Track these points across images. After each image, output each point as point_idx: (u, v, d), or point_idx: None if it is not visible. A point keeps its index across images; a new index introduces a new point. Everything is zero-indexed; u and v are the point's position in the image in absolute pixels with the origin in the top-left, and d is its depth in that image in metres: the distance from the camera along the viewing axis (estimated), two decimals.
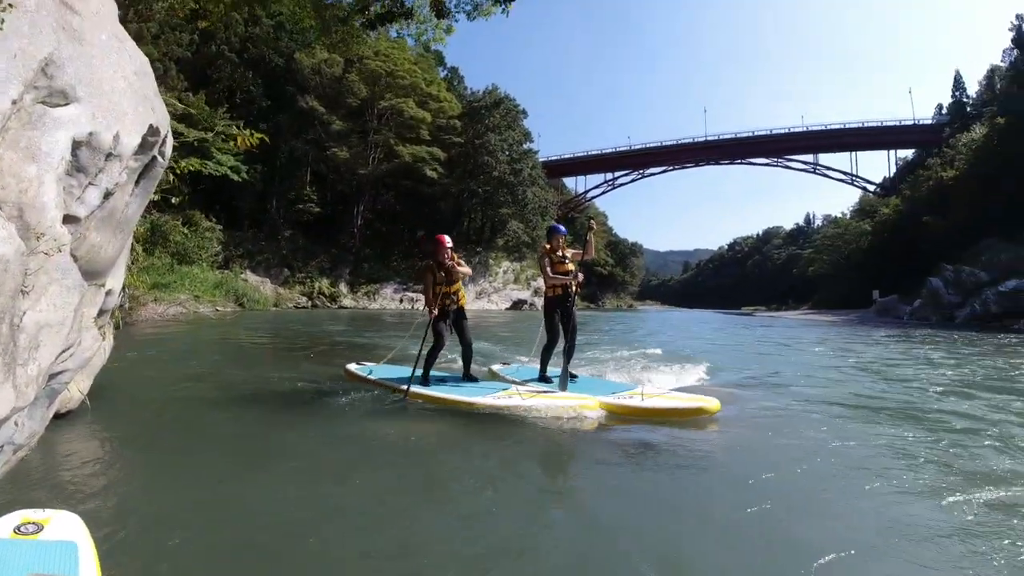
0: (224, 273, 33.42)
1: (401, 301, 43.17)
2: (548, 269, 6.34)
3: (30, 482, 3.22)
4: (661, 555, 2.56)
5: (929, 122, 65.16)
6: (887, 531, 2.78)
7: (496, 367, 7.40)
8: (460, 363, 6.77)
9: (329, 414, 5.38)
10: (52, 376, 3.31)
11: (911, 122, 67.38)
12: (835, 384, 7.73)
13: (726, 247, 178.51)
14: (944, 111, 63.31)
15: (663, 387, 6.42)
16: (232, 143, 30.30)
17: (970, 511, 3.00)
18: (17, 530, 2.02)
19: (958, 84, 61.32)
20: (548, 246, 6.50)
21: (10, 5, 2.65)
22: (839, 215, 79.70)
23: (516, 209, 54.74)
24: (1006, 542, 2.63)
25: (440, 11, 10.41)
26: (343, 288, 43.41)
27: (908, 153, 68.51)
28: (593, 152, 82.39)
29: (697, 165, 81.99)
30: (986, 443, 4.37)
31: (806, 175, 74.71)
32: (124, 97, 3.36)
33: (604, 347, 12.16)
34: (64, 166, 2.87)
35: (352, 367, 7.08)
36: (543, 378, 6.44)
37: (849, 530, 2.81)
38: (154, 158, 3.79)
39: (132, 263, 14.44)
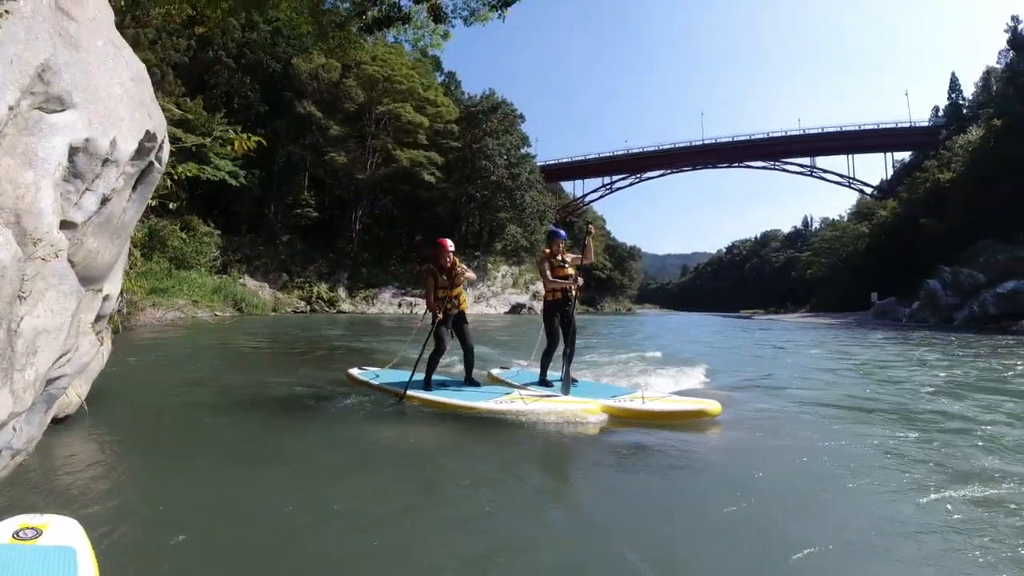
0: (222, 278, 33.43)
1: (400, 306, 43.21)
2: (548, 273, 6.35)
3: (28, 487, 3.22)
4: (657, 556, 2.56)
5: (925, 124, 65.41)
6: (880, 530, 2.82)
7: (495, 371, 7.40)
8: (459, 367, 6.77)
9: (328, 418, 5.39)
10: (50, 381, 3.31)
11: (907, 124, 67.69)
12: (831, 386, 7.76)
13: (724, 250, 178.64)
14: (940, 113, 63.51)
15: (662, 391, 6.43)
16: (230, 147, 30.37)
17: (959, 509, 3.04)
18: (16, 535, 2.02)
19: (954, 86, 61.50)
20: (548, 250, 6.50)
21: (6, 11, 2.66)
22: (836, 218, 79.76)
23: (514, 213, 54.86)
24: (987, 539, 2.68)
25: (437, 16, 10.45)
26: (341, 293, 43.42)
27: (905, 155, 68.76)
28: (591, 156, 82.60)
29: (694, 169, 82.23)
30: (976, 443, 4.42)
31: (803, 178, 74.96)
32: (121, 103, 3.36)
33: (603, 351, 12.16)
34: (61, 172, 2.88)
35: (354, 371, 7.08)
36: (543, 382, 6.44)
37: (844, 530, 2.84)
38: (151, 163, 3.79)
39: (130, 268, 14.43)
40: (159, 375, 8.15)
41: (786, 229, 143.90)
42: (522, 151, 58.87)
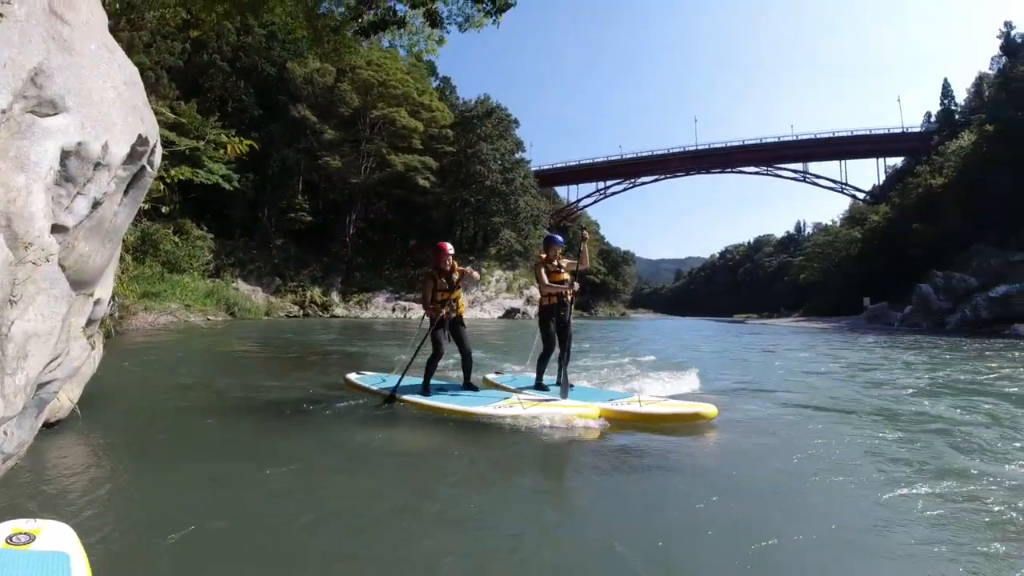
0: (215, 282, 33.27)
1: (394, 310, 43.08)
2: (544, 278, 6.36)
3: (20, 492, 3.20)
4: (653, 555, 2.59)
5: (918, 130, 65.79)
6: (860, 526, 2.96)
7: (491, 376, 7.40)
8: (451, 372, 6.74)
9: (323, 421, 5.38)
10: (41, 386, 3.29)
11: (900, 130, 67.99)
12: (819, 389, 7.90)
13: (718, 255, 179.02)
14: (933, 119, 63.94)
15: (657, 395, 6.48)
16: (223, 151, 30.30)
17: (934, 505, 3.18)
18: (9, 540, 2.01)
19: (946, 92, 61.98)
20: (544, 255, 6.54)
21: (0, 15, 2.66)
22: (829, 223, 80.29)
23: (508, 218, 54.86)
24: (958, 531, 2.84)
25: (434, 21, 10.49)
26: (335, 297, 43.28)
27: (897, 161, 69.12)
28: (585, 161, 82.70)
29: (688, 174, 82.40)
30: (952, 442, 4.60)
31: (796, 183, 75.22)
32: (113, 107, 3.36)
33: (597, 356, 12.17)
34: (53, 176, 2.87)
35: (353, 376, 7.05)
36: (539, 386, 6.45)
37: (829, 527, 2.93)
38: (143, 168, 3.79)
39: (122, 272, 14.38)
40: (151, 379, 8.10)
41: (779, 234, 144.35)
42: (516, 156, 58.88)
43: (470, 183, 51.53)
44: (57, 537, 2.08)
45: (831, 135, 71.64)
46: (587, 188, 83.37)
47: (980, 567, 2.47)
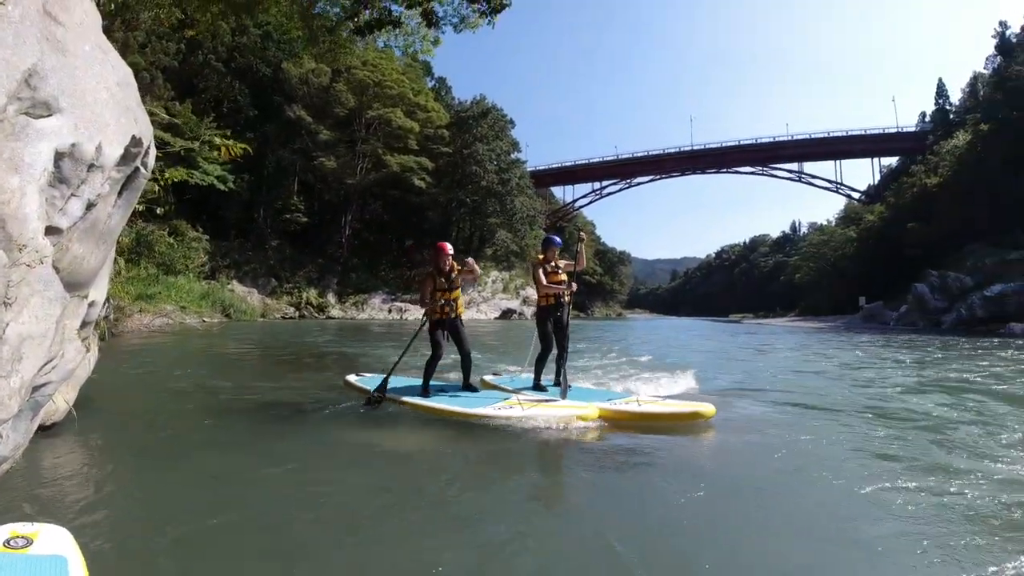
0: (211, 284, 33.20)
1: (390, 311, 43.04)
2: (543, 279, 6.37)
3: (16, 495, 3.19)
4: (649, 554, 2.60)
5: (913, 130, 65.97)
6: (855, 522, 2.99)
7: (488, 377, 7.39)
8: (447, 372, 6.72)
9: (321, 423, 5.38)
10: (35, 388, 3.28)
11: (895, 130, 68.18)
12: (813, 387, 7.99)
13: (713, 255, 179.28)
14: (927, 119, 64.13)
15: (654, 395, 6.50)
16: (217, 153, 30.27)
17: (929, 500, 3.26)
18: (7, 544, 2.00)
19: (941, 92, 62.15)
20: (542, 256, 6.56)
21: None
22: (824, 223, 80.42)
23: (504, 219, 54.90)
24: (949, 526, 2.89)
25: (430, 21, 10.49)
26: (331, 298, 43.21)
27: (892, 161, 69.36)
28: (580, 162, 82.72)
29: (683, 174, 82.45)
30: (937, 439, 4.73)
31: (792, 183, 75.32)
32: (107, 108, 3.35)
33: (594, 356, 12.19)
34: (46, 177, 2.86)
35: (352, 378, 7.04)
36: (537, 387, 6.45)
37: (827, 523, 2.99)
38: (137, 169, 3.77)
39: (116, 275, 14.33)
40: (147, 381, 8.09)
41: (775, 234, 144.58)
42: (512, 156, 58.91)
43: (466, 183, 51.52)
44: (54, 540, 2.07)
45: (826, 135, 71.78)
46: (583, 188, 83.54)
47: (961, 557, 2.53)
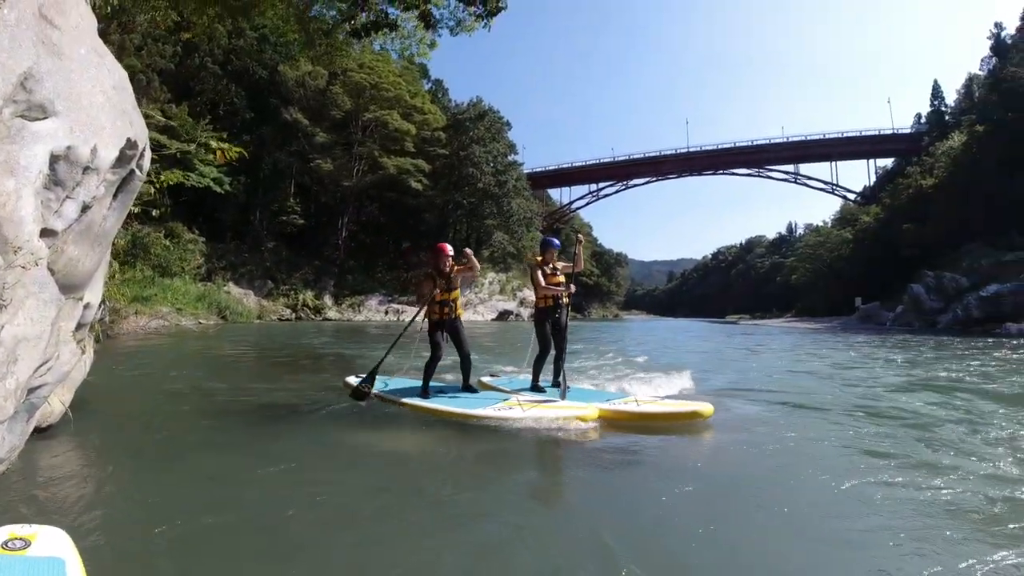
0: (207, 286, 33.18)
1: (387, 313, 43.02)
2: (542, 280, 6.40)
3: (12, 496, 3.19)
4: (646, 553, 2.62)
5: (908, 131, 66.21)
6: (840, 518, 3.07)
7: (486, 378, 7.40)
8: (444, 373, 6.71)
9: (317, 423, 5.39)
10: (31, 390, 3.28)
11: (890, 131, 68.39)
12: (807, 387, 8.06)
13: (710, 256, 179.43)
14: (923, 120, 64.37)
15: (651, 395, 6.54)
16: (213, 156, 30.24)
17: (913, 495, 3.38)
18: (4, 545, 2.00)
19: (936, 93, 62.42)
20: (540, 258, 6.59)
21: None
22: (820, 224, 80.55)
23: (501, 220, 54.86)
24: (932, 520, 2.98)
25: (428, 23, 10.51)
26: (327, 300, 43.18)
27: (888, 162, 69.53)
28: (577, 164, 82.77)
29: (680, 176, 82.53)
30: (927, 436, 4.85)
31: (787, 184, 75.45)
32: (102, 111, 3.36)
33: (590, 357, 12.21)
34: (42, 180, 2.87)
35: (351, 379, 7.03)
36: (535, 388, 6.47)
37: (818, 520, 3.03)
38: (132, 171, 3.78)
39: (111, 277, 14.30)
40: (143, 383, 8.08)
41: (771, 235, 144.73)
42: (509, 158, 58.91)
43: (463, 185, 51.49)
44: (52, 542, 2.07)
45: (822, 136, 71.96)
46: (579, 190, 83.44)
47: (943, 551, 2.59)
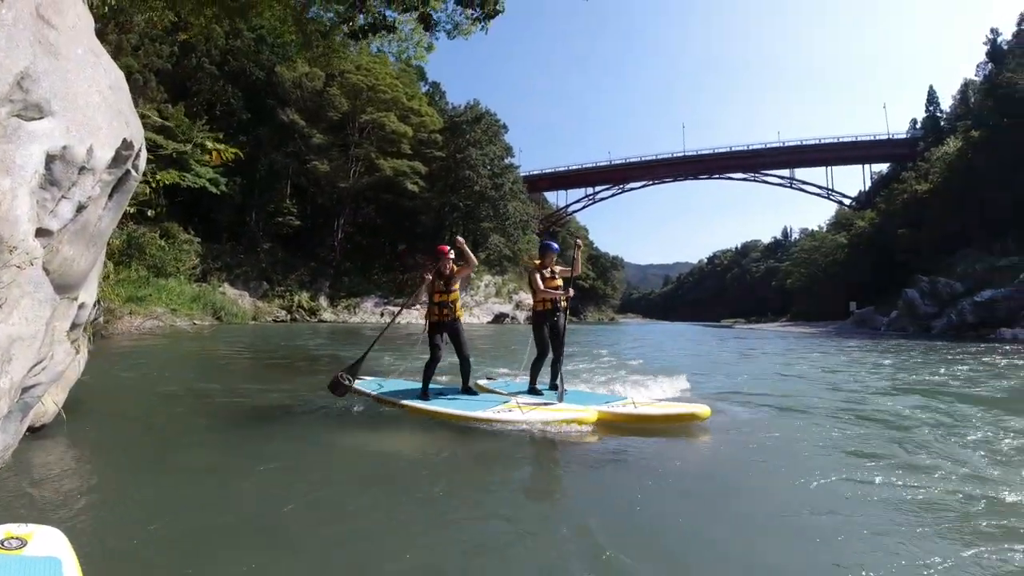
0: (202, 286, 33.09)
1: (382, 315, 42.91)
2: (540, 284, 6.42)
3: (6, 495, 3.19)
4: (643, 552, 2.64)
5: (903, 136, 66.47)
6: (826, 515, 3.15)
7: (483, 381, 7.40)
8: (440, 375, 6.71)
9: (313, 424, 5.39)
10: (25, 389, 3.28)
11: (886, 137, 68.67)
12: (798, 391, 8.08)
13: (706, 260, 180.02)
14: (918, 126, 64.62)
15: (647, 398, 6.57)
16: (209, 156, 30.21)
17: (896, 494, 3.45)
18: (1, 544, 2.00)
19: (932, 99, 62.68)
20: (539, 262, 6.62)
21: None
22: (816, 228, 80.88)
23: (497, 223, 54.89)
24: (915, 517, 3.08)
25: (427, 25, 10.53)
26: (323, 302, 43.12)
27: (883, 167, 69.78)
28: (574, 167, 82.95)
29: (676, 180, 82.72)
30: (911, 438, 4.95)
31: (783, 189, 75.65)
32: (98, 111, 3.36)
33: (585, 360, 12.21)
34: (38, 179, 2.87)
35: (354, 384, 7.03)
36: (532, 390, 6.48)
37: (809, 517, 3.04)
38: (128, 172, 3.79)
39: (105, 277, 14.26)
40: (137, 383, 8.05)
41: (766, 239, 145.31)
42: (505, 161, 58.99)
43: (459, 188, 51.50)
44: (49, 542, 2.07)
45: (818, 141, 72.22)
46: (576, 194, 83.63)
47: (919, 547, 2.68)
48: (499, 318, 49.41)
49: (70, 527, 2.45)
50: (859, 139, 70.22)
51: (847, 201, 70.94)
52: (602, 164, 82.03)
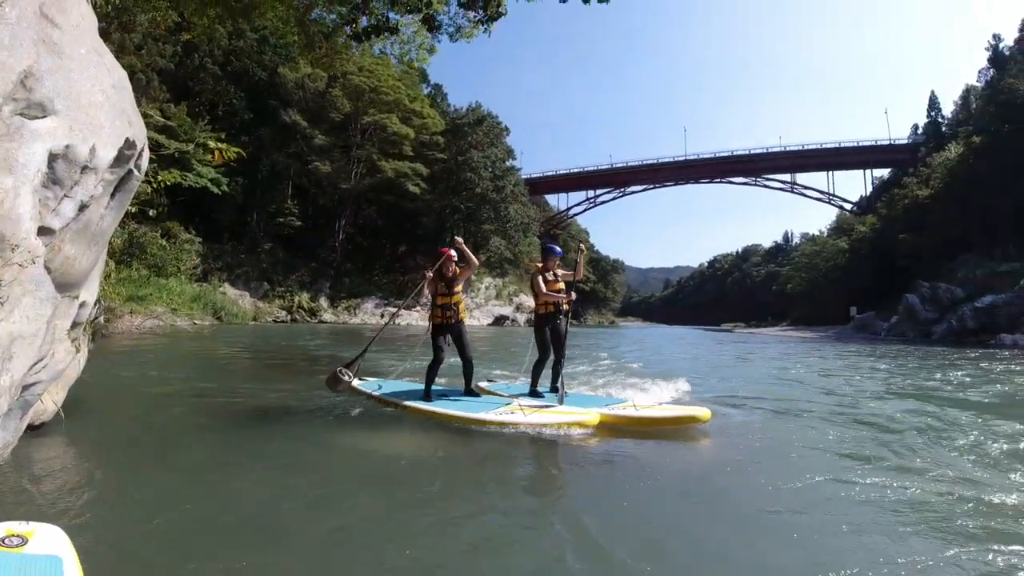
0: (202, 286, 33.11)
1: (383, 316, 42.89)
2: (543, 287, 6.44)
3: (5, 493, 3.19)
4: (641, 552, 2.64)
5: (905, 142, 66.52)
6: (819, 513, 3.22)
7: (483, 384, 7.41)
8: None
9: (313, 425, 5.38)
10: (25, 388, 3.29)
11: (887, 142, 68.71)
12: (797, 396, 8.10)
13: (706, 264, 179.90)
14: (920, 131, 64.67)
15: (648, 400, 6.57)
16: (211, 156, 30.24)
17: (885, 494, 3.52)
18: (2, 542, 2.00)
19: (933, 104, 62.74)
20: (541, 265, 6.65)
21: None
22: (817, 233, 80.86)
23: (498, 225, 54.88)
24: (904, 517, 3.06)
25: (431, 26, 10.53)
26: (323, 303, 43.12)
27: (884, 172, 69.82)
28: (575, 170, 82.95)
29: (677, 183, 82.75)
30: (903, 441, 5.00)
31: (784, 194, 75.65)
32: (101, 111, 3.37)
33: (585, 363, 12.21)
34: (40, 178, 2.88)
35: (353, 382, 7.03)
36: (533, 393, 6.49)
37: (805, 517, 3.03)
38: (130, 171, 3.79)
39: (107, 276, 14.27)
40: (137, 382, 8.05)
41: (767, 243, 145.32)
42: (507, 164, 59.04)
43: (460, 190, 51.53)
44: (49, 540, 2.07)
45: (819, 146, 72.27)
46: (577, 196, 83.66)
47: (908, 547, 2.72)
48: (499, 320, 49.33)
49: (70, 525, 2.46)
50: (860, 144, 70.28)
51: (848, 206, 70.98)
52: (603, 167, 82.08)
